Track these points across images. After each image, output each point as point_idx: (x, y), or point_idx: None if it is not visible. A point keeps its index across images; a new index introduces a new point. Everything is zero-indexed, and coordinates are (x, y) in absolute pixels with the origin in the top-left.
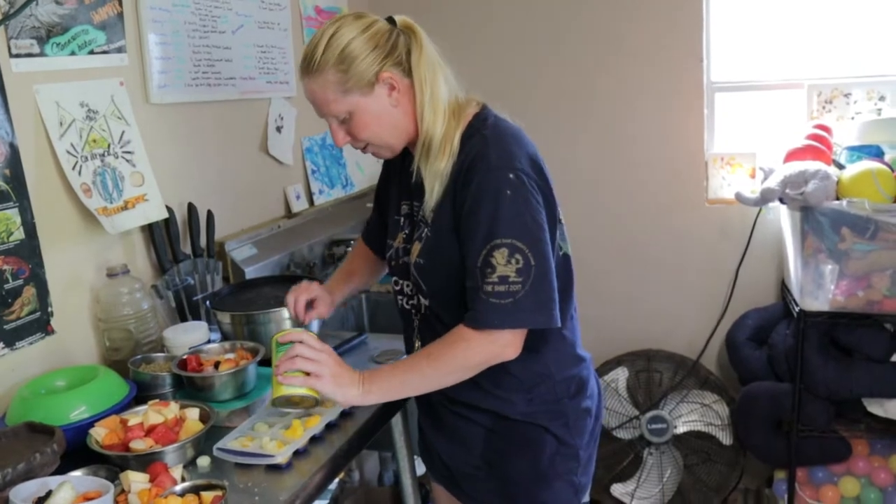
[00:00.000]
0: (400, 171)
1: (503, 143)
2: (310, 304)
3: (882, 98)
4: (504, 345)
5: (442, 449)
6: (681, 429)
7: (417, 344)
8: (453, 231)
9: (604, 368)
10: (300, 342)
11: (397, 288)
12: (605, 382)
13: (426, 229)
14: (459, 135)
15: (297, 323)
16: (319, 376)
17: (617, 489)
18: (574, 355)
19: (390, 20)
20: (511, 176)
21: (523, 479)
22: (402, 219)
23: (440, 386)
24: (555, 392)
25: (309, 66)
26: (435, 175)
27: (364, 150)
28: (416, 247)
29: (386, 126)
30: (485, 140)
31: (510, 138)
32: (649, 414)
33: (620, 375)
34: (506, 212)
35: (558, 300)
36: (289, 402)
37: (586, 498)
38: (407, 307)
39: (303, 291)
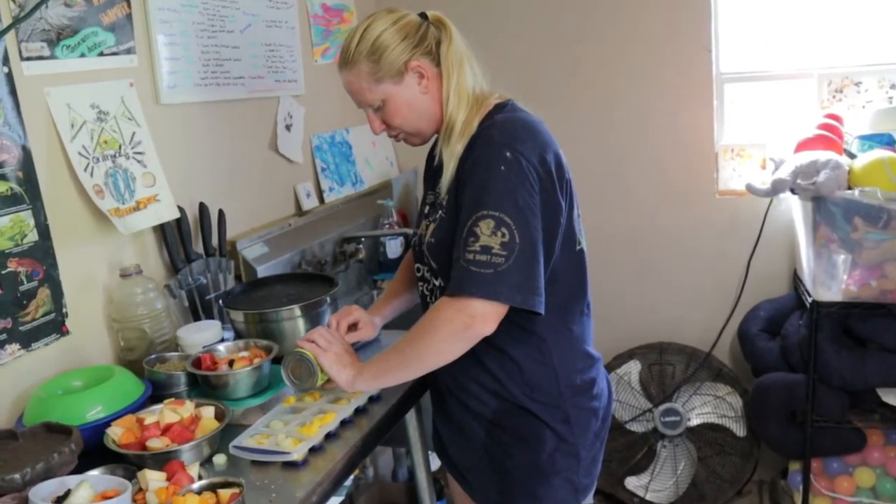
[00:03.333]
0: (430, 164)
1: (509, 126)
2: (352, 327)
3: (893, 86)
4: (473, 314)
5: (448, 440)
6: (694, 421)
7: None
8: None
9: (616, 362)
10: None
11: (418, 275)
12: (618, 376)
13: (441, 211)
14: (478, 121)
15: None
16: (325, 350)
17: (631, 482)
18: (582, 352)
19: (422, 15)
20: (508, 154)
21: (522, 474)
22: (427, 207)
23: (422, 366)
24: (558, 388)
25: (345, 59)
26: (451, 156)
27: (396, 137)
28: (431, 228)
29: (416, 113)
30: (493, 122)
31: (520, 124)
32: (662, 407)
33: (633, 369)
34: (496, 185)
35: (577, 294)
36: (296, 369)
37: (589, 500)
38: (426, 293)
39: (344, 315)
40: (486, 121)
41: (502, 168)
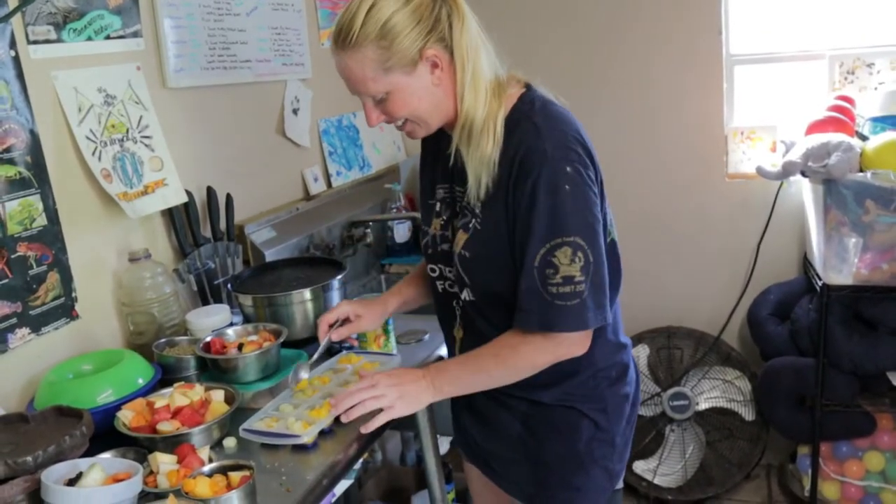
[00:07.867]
0: (435, 154)
1: (557, 134)
2: (343, 322)
3: None
4: (571, 344)
5: (476, 432)
6: (703, 405)
7: (460, 333)
8: (505, 227)
9: None
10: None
11: (435, 274)
12: None
13: (474, 220)
14: (503, 118)
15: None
16: (391, 407)
17: (639, 466)
18: (617, 342)
19: None
20: (569, 169)
21: (558, 464)
22: (439, 203)
23: (508, 383)
24: (596, 379)
25: (345, 41)
26: (480, 162)
27: (400, 127)
28: (462, 237)
29: (426, 106)
30: (537, 130)
31: (562, 126)
32: (671, 391)
33: (641, 353)
34: (566, 209)
35: (614, 288)
36: None
37: (620, 485)
38: (450, 291)
39: (332, 312)
40: (522, 123)
41: (567, 188)
